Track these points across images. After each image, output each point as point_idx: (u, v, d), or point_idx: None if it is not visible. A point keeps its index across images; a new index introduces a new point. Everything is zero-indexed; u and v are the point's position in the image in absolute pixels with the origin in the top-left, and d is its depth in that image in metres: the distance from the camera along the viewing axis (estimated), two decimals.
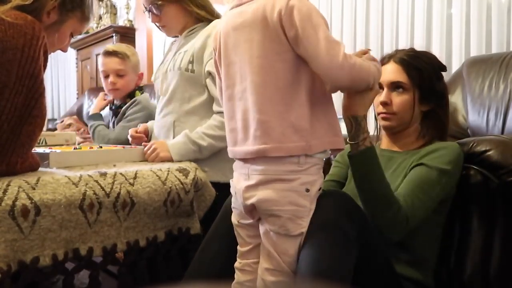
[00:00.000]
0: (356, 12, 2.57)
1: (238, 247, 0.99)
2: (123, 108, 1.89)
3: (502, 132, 1.52)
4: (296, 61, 0.87)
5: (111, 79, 1.86)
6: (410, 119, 1.15)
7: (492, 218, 1.08)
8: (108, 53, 1.87)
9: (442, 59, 2.09)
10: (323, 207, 0.89)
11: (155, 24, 1.55)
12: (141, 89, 1.96)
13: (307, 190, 0.87)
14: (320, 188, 0.91)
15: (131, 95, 1.91)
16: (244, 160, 0.92)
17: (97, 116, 1.94)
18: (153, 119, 1.63)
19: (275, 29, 0.86)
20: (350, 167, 1.04)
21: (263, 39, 0.87)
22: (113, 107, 1.96)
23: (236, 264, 0.98)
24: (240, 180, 0.93)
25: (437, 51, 2.15)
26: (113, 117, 1.96)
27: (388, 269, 1.00)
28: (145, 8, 1.50)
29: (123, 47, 1.91)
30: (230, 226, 1.00)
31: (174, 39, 1.65)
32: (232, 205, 0.98)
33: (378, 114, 1.18)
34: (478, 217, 1.10)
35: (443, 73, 1.21)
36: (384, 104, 1.15)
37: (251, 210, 0.92)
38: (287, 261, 0.88)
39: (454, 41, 2.10)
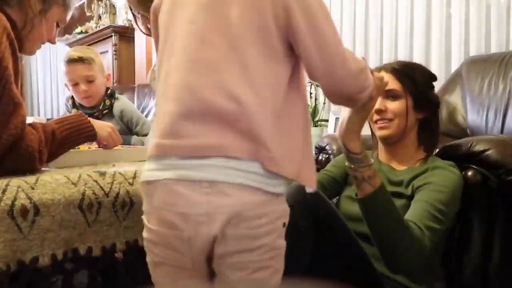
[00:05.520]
0: (356, 12, 2.57)
1: None
2: (126, 122, 1.85)
3: (502, 132, 1.53)
4: None
5: (82, 87, 1.78)
6: (405, 125, 1.14)
7: (492, 217, 1.08)
8: (73, 60, 1.77)
9: (442, 59, 2.12)
10: None
11: (143, 31, 1.51)
12: (112, 94, 1.87)
13: None
14: None
15: (104, 98, 1.85)
16: None
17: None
18: None
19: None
20: (360, 208, 1.02)
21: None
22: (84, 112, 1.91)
23: None
24: None
25: (437, 51, 2.16)
26: None
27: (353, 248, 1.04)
28: (134, 10, 1.43)
29: (86, 51, 1.82)
30: None
31: None
32: None
33: (375, 122, 1.17)
34: (477, 217, 1.10)
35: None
36: (379, 112, 1.15)
37: None
38: None
39: (453, 41, 2.10)
